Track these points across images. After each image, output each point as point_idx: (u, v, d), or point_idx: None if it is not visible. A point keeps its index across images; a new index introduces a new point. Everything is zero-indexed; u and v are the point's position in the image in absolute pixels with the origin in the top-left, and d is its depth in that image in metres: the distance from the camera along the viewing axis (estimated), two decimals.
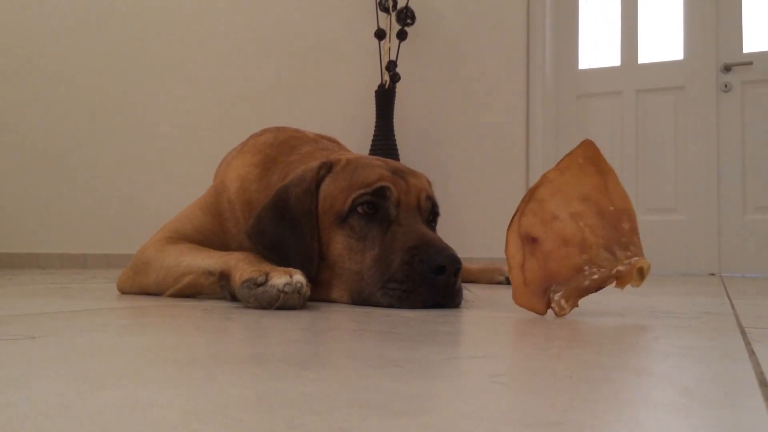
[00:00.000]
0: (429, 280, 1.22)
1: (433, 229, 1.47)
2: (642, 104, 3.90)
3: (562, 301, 1.04)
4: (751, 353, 0.75)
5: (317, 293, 1.34)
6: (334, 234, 1.35)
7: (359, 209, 1.33)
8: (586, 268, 1.04)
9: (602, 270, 1.03)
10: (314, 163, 1.42)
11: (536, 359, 0.70)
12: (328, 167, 1.40)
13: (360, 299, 1.31)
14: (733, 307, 1.41)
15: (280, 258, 1.33)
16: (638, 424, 0.44)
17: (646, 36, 3.95)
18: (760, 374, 0.62)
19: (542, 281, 1.06)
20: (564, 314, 1.06)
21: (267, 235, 1.37)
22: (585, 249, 1.05)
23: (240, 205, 1.55)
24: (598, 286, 1.04)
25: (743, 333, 0.94)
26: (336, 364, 0.64)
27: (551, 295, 1.05)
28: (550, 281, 1.06)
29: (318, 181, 1.39)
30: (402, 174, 1.40)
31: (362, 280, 1.31)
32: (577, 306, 1.07)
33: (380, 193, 1.33)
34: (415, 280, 1.23)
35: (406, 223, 1.32)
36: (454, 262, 1.23)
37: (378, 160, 1.42)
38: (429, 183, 1.50)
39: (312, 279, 1.30)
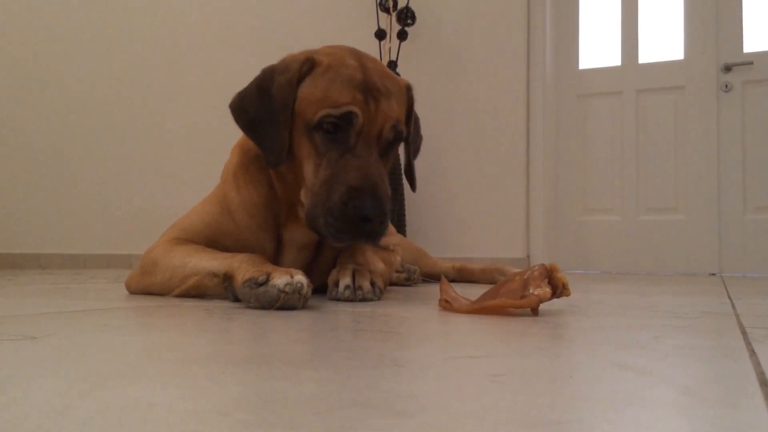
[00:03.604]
0: (357, 224, 1.32)
1: (392, 151, 1.47)
2: (642, 104, 3.90)
3: (538, 290, 1.12)
4: (752, 353, 0.75)
5: (296, 193, 1.44)
6: (303, 139, 1.40)
7: (324, 126, 1.37)
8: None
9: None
10: (300, 56, 1.44)
11: (536, 359, 0.70)
12: (310, 65, 1.41)
13: (312, 222, 1.38)
14: (733, 306, 1.41)
15: (257, 139, 1.43)
16: (638, 423, 0.44)
17: (647, 36, 3.95)
18: (760, 374, 0.62)
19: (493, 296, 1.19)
20: (547, 297, 1.12)
21: (248, 114, 1.44)
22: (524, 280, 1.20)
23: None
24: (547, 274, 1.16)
25: (744, 333, 0.94)
26: (336, 364, 0.64)
27: (525, 293, 1.13)
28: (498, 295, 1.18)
29: (300, 77, 1.41)
30: (376, 95, 1.39)
31: (315, 196, 1.37)
32: (549, 289, 1.14)
33: (346, 118, 1.36)
34: (345, 222, 1.32)
35: (361, 155, 1.36)
36: (380, 214, 1.31)
37: (359, 72, 1.40)
38: (407, 91, 1.52)
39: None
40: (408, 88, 1.53)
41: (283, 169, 1.48)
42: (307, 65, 1.41)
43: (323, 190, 1.35)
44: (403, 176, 2.06)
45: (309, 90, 1.40)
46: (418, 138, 1.67)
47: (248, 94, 1.45)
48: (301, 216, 1.47)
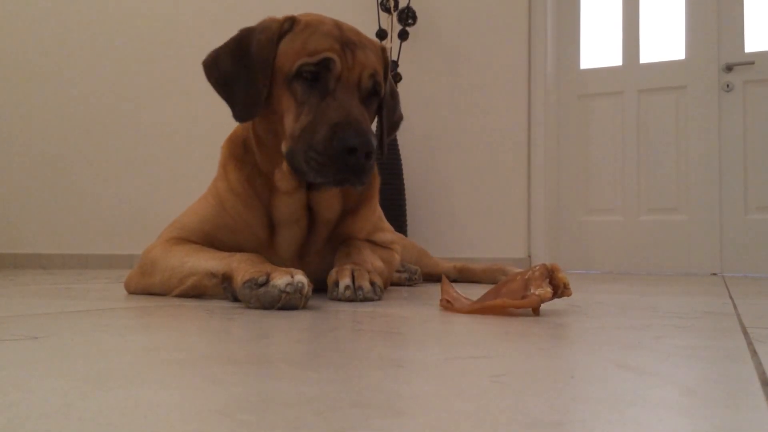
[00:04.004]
0: (342, 158, 1.31)
1: (371, 105, 1.50)
2: (643, 104, 3.90)
3: (539, 290, 1.12)
4: (753, 353, 0.75)
5: (277, 157, 1.45)
6: (283, 92, 1.43)
7: (303, 74, 1.40)
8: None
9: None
10: (280, 18, 1.49)
11: (537, 359, 0.70)
12: (291, 23, 1.47)
13: (292, 160, 1.39)
14: (735, 306, 1.41)
15: (228, 95, 1.46)
16: (640, 424, 0.44)
17: (648, 36, 3.94)
18: (762, 374, 0.62)
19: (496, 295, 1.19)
20: (548, 297, 1.12)
21: (221, 71, 1.48)
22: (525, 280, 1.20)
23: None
24: (547, 274, 1.16)
25: (745, 333, 0.94)
26: (337, 365, 0.64)
27: (525, 293, 1.13)
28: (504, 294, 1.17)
29: (281, 35, 1.46)
30: (352, 47, 1.43)
31: (296, 142, 1.38)
32: (550, 289, 1.14)
33: (324, 64, 1.39)
34: (330, 156, 1.32)
35: (341, 98, 1.38)
36: (366, 145, 1.31)
37: (335, 29, 1.46)
38: (382, 52, 1.55)
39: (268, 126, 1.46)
40: (383, 49, 1.57)
41: (261, 133, 1.50)
42: (288, 23, 1.47)
43: (304, 134, 1.37)
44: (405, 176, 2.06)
45: (288, 45, 1.45)
46: (396, 112, 1.68)
47: (223, 53, 1.49)
48: (280, 185, 1.48)
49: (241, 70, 1.45)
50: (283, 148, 1.43)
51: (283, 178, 1.47)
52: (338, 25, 1.47)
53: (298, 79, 1.40)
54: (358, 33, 1.50)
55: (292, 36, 1.45)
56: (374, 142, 1.34)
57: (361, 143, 1.30)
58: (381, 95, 1.51)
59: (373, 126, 1.52)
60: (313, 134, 1.35)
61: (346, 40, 1.43)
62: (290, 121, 1.41)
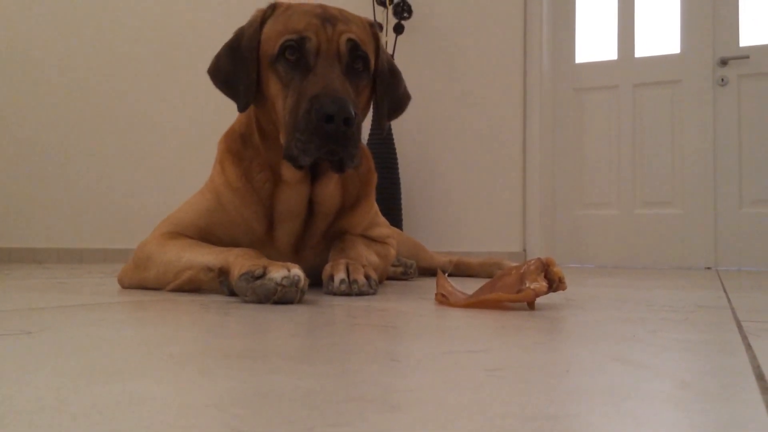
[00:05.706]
0: (322, 129, 1.29)
1: (360, 79, 1.48)
2: (638, 98, 3.90)
3: (534, 284, 1.11)
4: (748, 347, 0.75)
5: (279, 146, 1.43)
6: (269, 76, 1.44)
7: (285, 54, 1.41)
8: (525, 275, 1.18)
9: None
10: (264, 6, 1.52)
11: (533, 353, 0.70)
12: (272, 8, 1.50)
13: (287, 149, 1.37)
14: (729, 300, 1.41)
15: (232, 92, 1.48)
16: (635, 417, 0.44)
17: (643, 30, 3.94)
18: (756, 368, 0.62)
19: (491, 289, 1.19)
20: (543, 291, 1.11)
21: (222, 72, 1.50)
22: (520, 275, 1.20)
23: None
24: (542, 268, 1.15)
25: (739, 326, 0.94)
26: (333, 359, 0.64)
27: (521, 287, 1.12)
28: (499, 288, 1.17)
29: (263, 21, 1.48)
30: (332, 20, 1.43)
31: (286, 126, 1.38)
32: (546, 283, 1.13)
33: (301, 41, 1.40)
34: (310, 130, 1.30)
35: (321, 72, 1.37)
36: (342, 111, 1.28)
37: (317, 8, 1.46)
38: (369, 27, 1.55)
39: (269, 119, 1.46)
40: (371, 25, 1.57)
41: (264, 124, 1.51)
42: (270, 9, 1.49)
43: (291, 115, 1.37)
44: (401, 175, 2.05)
45: (271, 28, 1.46)
46: (398, 90, 1.64)
47: (222, 55, 1.52)
48: (286, 174, 1.49)
49: (237, 65, 1.47)
50: (282, 139, 1.43)
51: (288, 167, 1.47)
52: (321, 5, 1.48)
53: (280, 60, 1.41)
54: (342, 11, 1.50)
55: (273, 19, 1.47)
56: (352, 109, 1.30)
57: (339, 109, 1.28)
58: (371, 69, 1.50)
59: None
60: (297, 112, 1.34)
61: (327, 16, 1.44)
62: (280, 107, 1.41)
